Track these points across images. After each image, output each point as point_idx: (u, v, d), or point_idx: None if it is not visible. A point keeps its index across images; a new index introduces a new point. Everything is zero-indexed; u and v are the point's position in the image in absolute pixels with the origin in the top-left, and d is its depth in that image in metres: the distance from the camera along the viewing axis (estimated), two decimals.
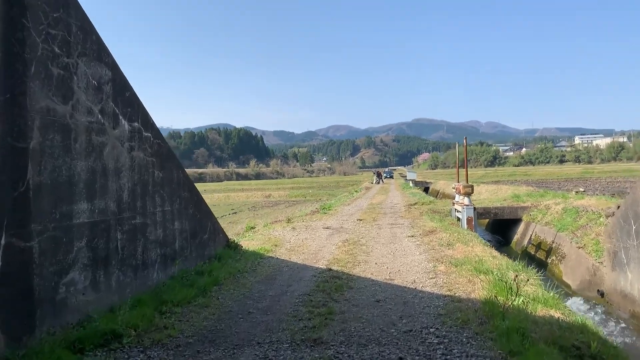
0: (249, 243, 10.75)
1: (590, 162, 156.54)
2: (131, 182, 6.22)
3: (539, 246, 13.37)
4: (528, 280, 5.79)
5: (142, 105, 6.67)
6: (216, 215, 32.06)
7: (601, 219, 11.13)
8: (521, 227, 15.73)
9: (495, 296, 5.39)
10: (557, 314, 4.99)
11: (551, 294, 5.69)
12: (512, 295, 5.27)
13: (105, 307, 5.50)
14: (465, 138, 13.50)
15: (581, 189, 18.86)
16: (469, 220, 12.21)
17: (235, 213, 37.76)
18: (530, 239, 14.38)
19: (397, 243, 10.18)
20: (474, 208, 12.42)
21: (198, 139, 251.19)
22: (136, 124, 6.43)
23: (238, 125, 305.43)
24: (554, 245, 12.38)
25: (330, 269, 7.60)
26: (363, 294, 6.07)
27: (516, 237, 15.83)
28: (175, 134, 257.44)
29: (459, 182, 15.24)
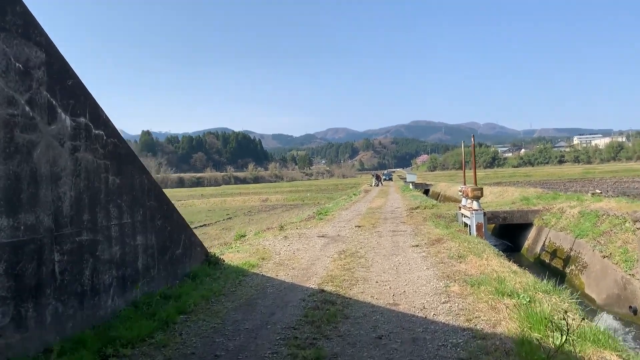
0: (233, 256, 9.57)
1: (589, 162, 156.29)
2: (75, 191, 5.03)
3: (554, 254, 12.20)
4: (567, 312, 4.61)
5: (92, 97, 5.49)
6: (210, 221, 30.69)
7: (627, 224, 9.98)
8: (532, 233, 14.57)
9: (530, 330, 4.23)
10: (614, 359, 3.82)
11: (601, 328, 4.51)
12: (551, 329, 4.11)
13: (35, 349, 4.32)
14: (473, 136, 12.38)
15: (597, 191, 17.70)
16: (478, 227, 11.05)
17: (230, 218, 36.57)
18: (543, 245, 13.21)
19: (400, 254, 9.00)
20: (484, 213, 11.25)
21: (196, 143, 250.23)
22: (82, 119, 5.24)
23: (236, 129, 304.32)
24: (572, 254, 11.21)
25: (323, 290, 6.43)
26: (361, 326, 4.88)
27: (527, 243, 14.66)
28: (173, 139, 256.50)
29: (465, 184, 14.07)
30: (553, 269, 11.95)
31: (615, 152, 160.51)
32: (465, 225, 13.14)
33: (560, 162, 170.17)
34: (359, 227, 13.86)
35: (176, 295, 6.38)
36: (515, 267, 7.32)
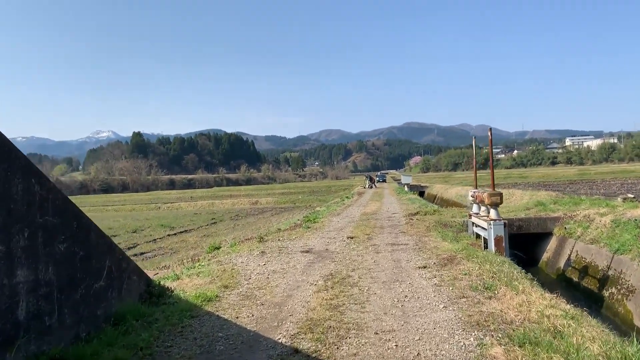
0: (189, 282, 7.45)
1: (582, 164, 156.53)
2: None
3: (584, 271, 10.17)
4: None
5: None
6: (192, 226, 28.07)
7: None
8: (552, 244, 12.56)
9: None
10: None
11: None
12: None
13: None
14: (490, 130, 10.39)
15: (630, 195, 15.72)
16: (497, 241, 8.99)
17: (214, 223, 34.38)
18: (569, 260, 11.19)
19: (405, 281, 6.91)
20: (505, 224, 9.17)
21: (188, 145, 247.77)
22: None
23: (229, 131, 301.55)
24: (611, 273, 9.19)
25: (297, 350, 4.33)
26: None
27: (546, 256, 12.65)
28: (164, 140, 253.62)
29: (477, 187, 12.02)
30: (584, 289, 9.94)
31: (608, 154, 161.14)
32: (478, 236, 11.10)
33: (553, 163, 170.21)
34: (352, 238, 11.77)
35: (77, 358, 4.27)
36: (568, 306, 5.26)
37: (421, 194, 50.19)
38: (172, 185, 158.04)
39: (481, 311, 5.15)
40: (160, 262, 17.22)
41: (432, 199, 43.48)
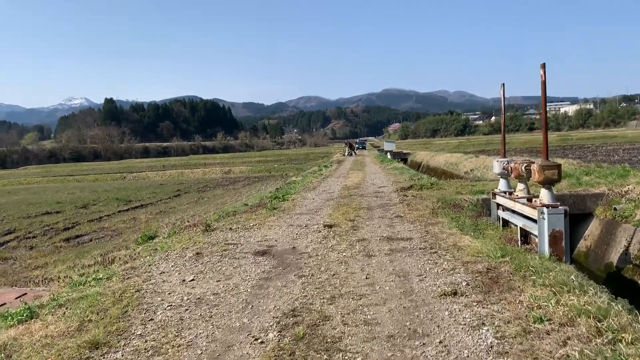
0: (44, 329, 4.10)
1: (559, 129, 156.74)
2: None
3: None
4: None
5: None
6: (152, 200, 23.80)
7: None
8: (594, 229, 9.54)
9: None
10: None
11: None
12: None
13: None
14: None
15: None
16: (555, 239, 5.79)
17: (177, 196, 30.78)
18: (627, 253, 8.19)
19: (431, 337, 3.67)
20: (566, 212, 5.91)
21: (162, 112, 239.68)
22: None
23: (205, 97, 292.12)
24: None
25: None
26: None
27: (584, 245, 9.64)
28: (138, 107, 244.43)
29: (504, 155, 8.74)
30: None
31: (584, 119, 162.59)
32: (505, 224, 7.93)
33: (531, 129, 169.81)
34: (330, 227, 8.47)
35: None
36: None
37: (404, 161, 47.19)
38: (146, 153, 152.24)
39: None
40: (91, 249, 13.78)
41: (417, 167, 40.52)
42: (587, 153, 31.98)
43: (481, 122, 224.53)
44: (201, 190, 33.92)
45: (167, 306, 4.70)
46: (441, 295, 4.53)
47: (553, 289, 4.32)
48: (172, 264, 6.53)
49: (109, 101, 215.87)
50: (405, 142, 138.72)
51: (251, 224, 9.26)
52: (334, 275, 5.42)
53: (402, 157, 51.04)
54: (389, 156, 45.35)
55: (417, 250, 6.41)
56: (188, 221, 12.44)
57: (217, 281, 5.48)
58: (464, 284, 4.80)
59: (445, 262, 5.65)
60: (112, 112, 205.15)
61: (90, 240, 15.78)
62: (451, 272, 5.27)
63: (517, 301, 4.16)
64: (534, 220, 6.33)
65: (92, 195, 32.67)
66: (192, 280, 5.61)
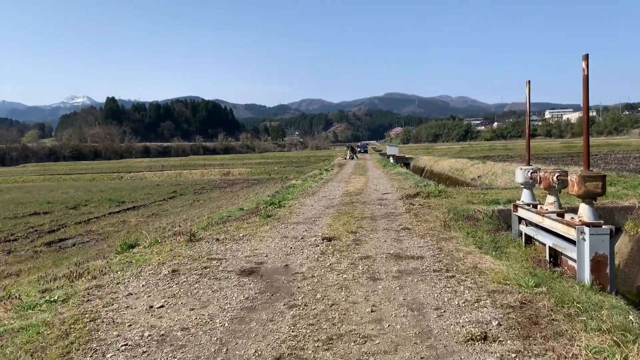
0: None
1: (561, 136, 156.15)
2: None
3: None
4: None
5: None
6: (146, 201, 22.36)
7: None
8: (622, 245, 8.57)
9: None
10: None
11: None
12: None
13: None
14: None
15: None
16: (597, 264, 4.80)
17: (172, 197, 29.82)
18: None
19: None
20: (612, 231, 4.93)
21: (164, 111, 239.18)
22: None
23: (207, 98, 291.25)
24: None
25: None
26: None
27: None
28: (140, 106, 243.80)
29: (529, 163, 7.75)
30: None
31: None
32: (528, 240, 6.96)
33: (533, 135, 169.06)
34: (330, 240, 7.50)
35: None
36: None
37: (406, 166, 46.26)
38: (146, 153, 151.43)
39: None
40: (71, 255, 12.81)
41: (420, 172, 39.56)
42: (598, 161, 30.97)
43: (483, 127, 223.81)
44: (197, 192, 32.98)
45: (122, 345, 3.73)
46: (467, 340, 3.55)
47: (613, 336, 3.35)
48: (144, 282, 5.57)
49: (111, 100, 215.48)
50: (407, 146, 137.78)
51: (241, 235, 8.29)
52: (332, 305, 4.45)
53: (404, 162, 50.11)
54: (391, 160, 44.40)
55: (431, 272, 5.43)
56: (179, 225, 11.49)
57: (190, 310, 4.51)
58: (495, 323, 3.83)
59: (467, 291, 4.68)
60: (113, 111, 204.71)
61: (74, 245, 14.82)
62: (476, 305, 4.29)
63: (571, 355, 3.18)
64: (568, 240, 5.36)
65: (86, 195, 31.74)
66: (161, 307, 4.64)
